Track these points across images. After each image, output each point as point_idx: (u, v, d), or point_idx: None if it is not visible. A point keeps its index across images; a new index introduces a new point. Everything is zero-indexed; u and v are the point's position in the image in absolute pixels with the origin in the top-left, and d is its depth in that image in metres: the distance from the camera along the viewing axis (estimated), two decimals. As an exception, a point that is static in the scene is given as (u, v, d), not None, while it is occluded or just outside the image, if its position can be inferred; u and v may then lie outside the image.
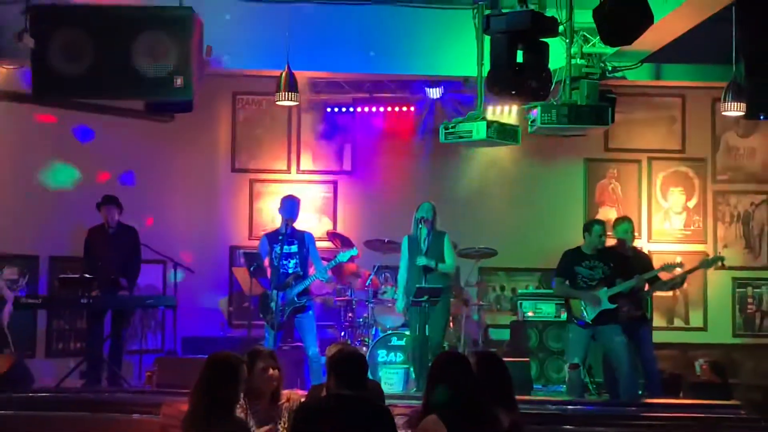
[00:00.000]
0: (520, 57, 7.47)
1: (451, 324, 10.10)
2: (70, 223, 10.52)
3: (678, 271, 9.49)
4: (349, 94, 11.51)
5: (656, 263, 9.63)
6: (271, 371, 5.55)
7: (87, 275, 9.35)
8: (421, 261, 8.88)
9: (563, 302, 9.46)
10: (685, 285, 10.43)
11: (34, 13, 8.33)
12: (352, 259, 9.60)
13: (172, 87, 8.24)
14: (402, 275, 9.17)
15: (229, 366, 4.82)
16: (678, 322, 11.79)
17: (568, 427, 7.70)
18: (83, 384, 9.37)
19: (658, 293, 9.93)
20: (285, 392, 5.74)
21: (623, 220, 9.58)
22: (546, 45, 7.60)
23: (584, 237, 9.02)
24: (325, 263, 9.40)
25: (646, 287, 9.30)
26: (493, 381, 4.71)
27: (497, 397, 4.64)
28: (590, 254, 8.91)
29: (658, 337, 9.89)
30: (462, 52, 9.28)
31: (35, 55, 8.24)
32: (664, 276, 9.40)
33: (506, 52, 7.35)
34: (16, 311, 9.60)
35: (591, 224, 9.05)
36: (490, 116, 10.23)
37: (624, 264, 9.00)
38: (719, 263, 9.66)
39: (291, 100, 8.52)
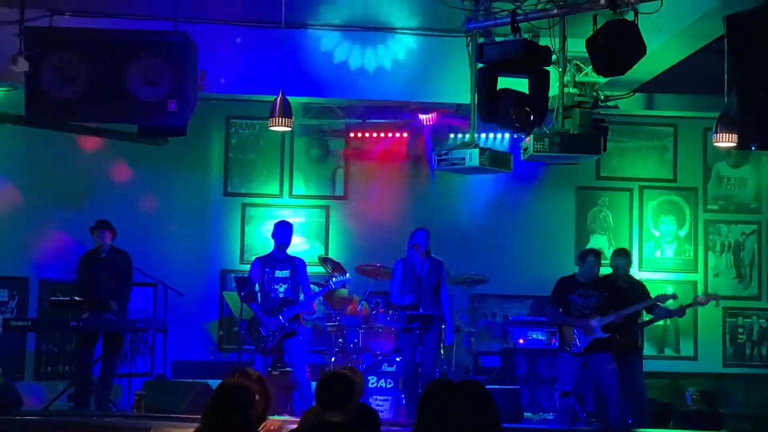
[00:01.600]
0: (524, 86, 7.50)
1: (441, 351, 10.10)
2: (61, 245, 10.51)
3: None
4: (342, 120, 11.53)
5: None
6: (257, 397, 5.48)
7: (77, 298, 9.32)
8: (409, 299, 8.98)
9: (554, 330, 9.46)
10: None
11: (29, 35, 8.34)
12: (344, 285, 9.59)
13: (166, 111, 8.25)
14: (395, 293, 9.22)
15: (243, 392, 4.76)
16: (668, 351, 11.80)
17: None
18: (72, 407, 9.33)
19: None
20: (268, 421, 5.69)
21: (623, 255, 9.55)
22: (546, 72, 7.65)
23: (578, 266, 9.03)
24: (316, 287, 9.42)
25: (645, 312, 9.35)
26: (479, 411, 4.68)
27: (484, 427, 4.62)
28: (584, 283, 8.92)
29: (648, 365, 9.89)
30: (456, 79, 9.31)
31: (29, 77, 8.25)
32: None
33: (495, 81, 7.39)
34: (6, 333, 9.58)
35: (585, 255, 9.06)
36: (483, 143, 10.26)
37: (618, 294, 9.00)
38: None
39: (285, 125, 8.51)
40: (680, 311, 9.42)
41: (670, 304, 9.36)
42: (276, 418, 5.81)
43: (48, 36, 8.49)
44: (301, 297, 9.32)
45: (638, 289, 9.52)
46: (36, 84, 8.27)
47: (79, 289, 9.61)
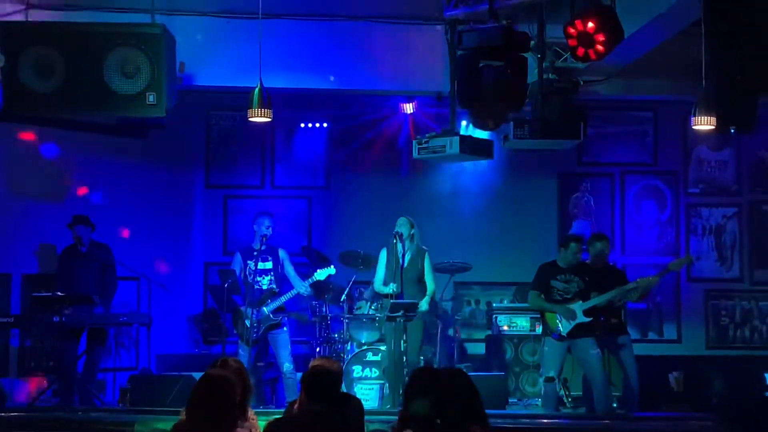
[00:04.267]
0: (491, 72, 7.50)
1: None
2: (43, 240, 10.46)
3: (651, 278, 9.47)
4: (323, 110, 11.51)
5: (630, 277, 9.67)
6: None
7: (59, 293, 9.30)
8: (390, 288, 8.97)
9: (538, 316, 9.49)
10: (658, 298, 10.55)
11: (5, 30, 8.30)
12: (329, 277, 9.60)
13: (145, 103, 8.22)
14: (379, 279, 9.21)
15: (225, 383, 4.75)
16: (652, 335, 11.85)
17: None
18: (56, 403, 9.31)
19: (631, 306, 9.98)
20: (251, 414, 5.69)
21: (599, 238, 9.59)
22: (524, 59, 7.64)
23: (560, 251, 9.06)
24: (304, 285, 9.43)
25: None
26: (461, 397, 4.70)
27: (467, 413, 4.64)
28: (566, 268, 8.95)
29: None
30: (435, 67, 9.31)
31: (6, 71, 8.20)
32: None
33: (470, 69, 7.39)
34: (-12, 330, 9.56)
35: (568, 240, 9.09)
36: (463, 131, 10.26)
37: (599, 278, 9.04)
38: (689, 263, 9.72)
39: (264, 116, 8.49)
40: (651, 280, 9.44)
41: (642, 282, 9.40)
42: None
43: (24, 30, 8.44)
44: (298, 287, 9.30)
45: (616, 272, 9.58)
46: (13, 78, 8.22)
47: (60, 284, 9.59)
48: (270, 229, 9.38)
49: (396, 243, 9.10)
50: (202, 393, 4.66)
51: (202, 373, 4.89)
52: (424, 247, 9.29)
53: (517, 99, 7.66)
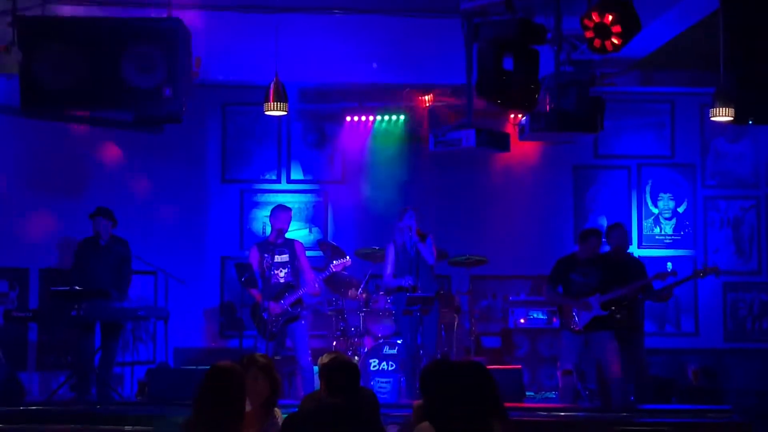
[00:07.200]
0: (507, 65, 7.49)
1: (443, 332, 10.12)
2: (61, 235, 10.50)
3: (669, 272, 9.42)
4: (338, 103, 11.50)
5: (648, 269, 9.63)
6: (260, 382, 5.35)
7: (77, 287, 9.33)
8: (409, 281, 8.96)
9: (555, 309, 9.48)
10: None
11: (22, 25, 8.31)
12: (344, 268, 9.59)
13: (161, 99, 8.22)
14: (388, 276, 9.22)
15: (233, 375, 4.72)
16: (670, 328, 11.81)
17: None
18: (74, 397, 9.35)
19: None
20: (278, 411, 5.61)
21: (616, 227, 9.58)
22: (536, 52, 7.63)
23: (579, 244, 9.03)
24: (315, 273, 9.42)
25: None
26: (480, 390, 4.69)
27: (486, 406, 4.63)
28: (585, 261, 8.92)
29: (649, 342, 9.91)
30: (452, 59, 9.29)
31: (23, 67, 8.22)
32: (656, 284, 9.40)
33: (492, 61, 7.37)
34: (7, 324, 9.60)
35: (587, 234, 9.06)
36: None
37: (618, 271, 9.00)
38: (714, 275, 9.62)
39: (280, 110, 8.50)
40: (667, 290, 9.40)
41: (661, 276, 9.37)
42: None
43: (41, 25, 8.46)
44: (310, 283, 9.30)
45: (636, 266, 9.53)
46: (30, 74, 8.23)
47: (75, 276, 9.61)
48: (286, 222, 9.39)
49: (405, 235, 9.08)
50: (208, 385, 4.64)
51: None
52: (424, 231, 9.26)
53: (534, 92, 7.65)
